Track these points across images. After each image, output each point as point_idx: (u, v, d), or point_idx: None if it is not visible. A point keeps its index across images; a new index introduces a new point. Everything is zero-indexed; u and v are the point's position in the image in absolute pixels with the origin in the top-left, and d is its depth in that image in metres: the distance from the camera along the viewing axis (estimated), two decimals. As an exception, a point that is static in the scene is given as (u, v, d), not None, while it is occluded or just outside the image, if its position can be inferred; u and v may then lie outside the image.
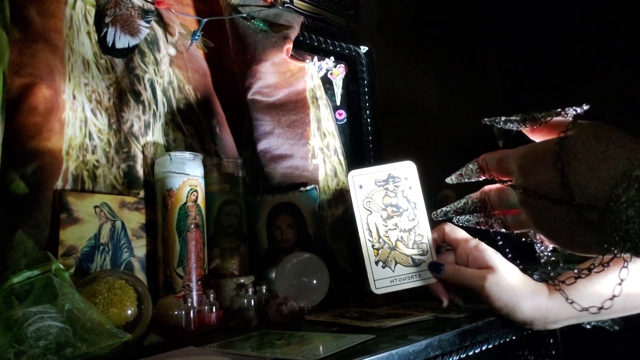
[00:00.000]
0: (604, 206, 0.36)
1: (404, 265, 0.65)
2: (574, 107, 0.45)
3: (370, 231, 0.65)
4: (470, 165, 0.52)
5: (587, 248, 0.40)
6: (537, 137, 0.48)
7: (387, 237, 0.65)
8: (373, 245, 0.65)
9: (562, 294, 0.53)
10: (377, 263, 0.64)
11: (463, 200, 0.53)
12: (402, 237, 0.65)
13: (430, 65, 1.66)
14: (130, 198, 0.77)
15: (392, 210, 0.66)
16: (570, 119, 0.45)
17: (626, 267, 0.41)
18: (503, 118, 0.49)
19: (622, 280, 0.43)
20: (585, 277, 0.47)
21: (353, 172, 0.69)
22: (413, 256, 0.65)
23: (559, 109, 0.45)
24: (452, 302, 0.65)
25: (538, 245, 0.52)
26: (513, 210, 0.49)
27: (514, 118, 0.48)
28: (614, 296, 0.48)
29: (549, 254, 0.51)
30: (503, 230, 0.53)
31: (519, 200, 0.45)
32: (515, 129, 0.49)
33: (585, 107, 0.45)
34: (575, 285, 0.53)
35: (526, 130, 0.48)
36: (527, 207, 0.44)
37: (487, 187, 0.51)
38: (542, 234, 0.45)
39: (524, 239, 0.53)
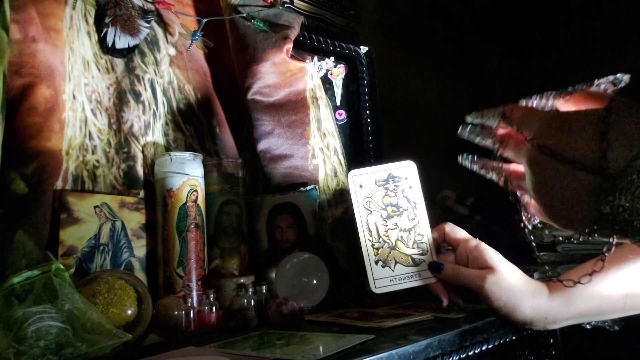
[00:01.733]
0: (622, 176, 0.35)
1: (404, 265, 0.65)
2: (611, 79, 0.44)
3: (370, 231, 0.65)
4: (496, 111, 0.49)
5: (582, 222, 0.39)
6: (571, 108, 0.45)
7: (387, 236, 0.65)
8: (373, 245, 0.65)
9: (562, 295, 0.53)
10: (376, 262, 0.64)
11: (491, 117, 0.50)
12: (402, 236, 0.65)
13: (430, 65, 1.65)
14: (130, 198, 0.77)
15: (392, 209, 0.66)
16: (608, 91, 0.43)
17: (613, 244, 0.40)
18: (537, 95, 0.47)
19: (605, 255, 0.42)
20: (586, 282, 0.47)
21: (353, 172, 0.68)
22: (413, 256, 0.65)
23: (596, 80, 0.44)
24: (452, 302, 0.65)
25: (525, 214, 0.50)
26: (517, 169, 0.48)
27: (546, 93, 0.47)
28: (594, 271, 0.47)
29: (537, 224, 0.50)
30: (501, 183, 0.51)
31: (529, 158, 0.43)
32: (550, 104, 0.47)
33: (625, 77, 0.44)
34: (572, 287, 0.53)
35: (559, 103, 0.46)
36: (535, 166, 0.42)
37: (510, 131, 0.49)
38: (538, 199, 0.43)
39: (517, 199, 0.50)
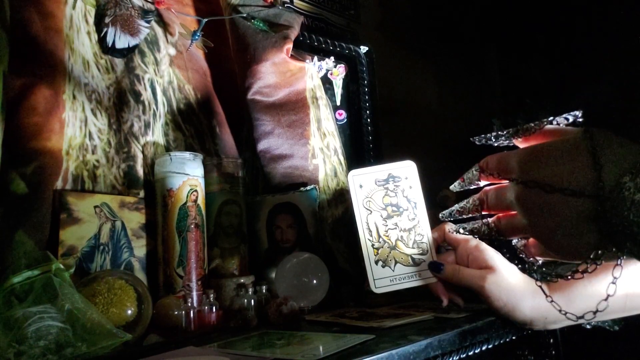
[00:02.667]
0: (617, 193, 0.35)
1: (404, 265, 0.65)
2: (564, 116, 0.44)
3: (370, 230, 0.65)
4: (473, 169, 0.50)
5: (586, 249, 0.39)
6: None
7: (387, 236, 0.65)
8: (373, 245, 0.65)
9: (554, 305, 0.53)
10: (377, 262, 0.64)
11: (465, 200, 0.52)
12: (402, 236, 0.65)
13: (430, 65, 1.65)
14: (130, 198, 0.77)
15: (392, 209, 0.66)
16: (563, 126, 0.44)
17: (620, 264, 0.40)
18: (493, 134, 0.48)
19: (615, 278, 0.42)
20: (579, 279, 0.46)
21: (353, 172, 0.68)
22: (413, 256, 0.65)
23: (550, 117, 0.45)
24: (452, 302, 0.65)
25: (524, 256, 0.50)
26: (508, 212, 0.47)
27: (504, 133, 0.47)
28: (609, 296, 0.47)
29: (538, 263, 0.50)
30: (495, 236, 0.50)
31: (517, 196, 0.42)
32: (506, 143, 0.48)
33: (578, 114, 0.44)
34: (571, 287, 0.53)
35: (518, 142, 0.47)
36: (525, 204, 0.42)
37: (487, 187, 0.50)
38: (538, 236, 0.43)
39: (515, 246, 0.50)
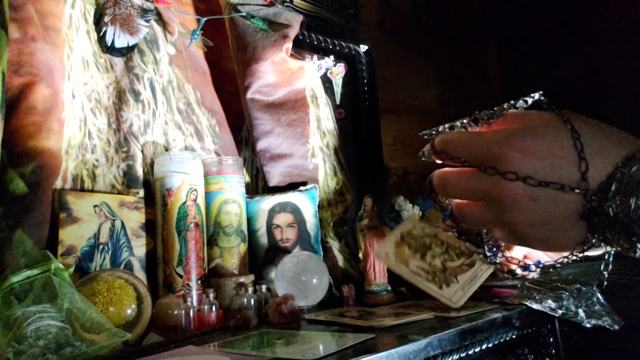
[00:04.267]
0: (600, 188, 0.33)
1: (463, 273, 0.65)
2: (523, 98, 0.40)
3: (419, 274, 0.66)
4: (426, 150, 0.43)
5: (575, 241, 0.35)
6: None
7: (434, 265, 0.66)
8: (427, 279, 0.65)
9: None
10: (440, 287, 0.65)
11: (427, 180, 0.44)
12: (444, 258, 0.66)
13: (430, 64, 1.65)
14: (130, 197, 0.77)
15: (421, 250, 0.67)
16: (523, 110, 0.40)
17: (608, 260, 0.38)
18: (446, 125, 0.42)
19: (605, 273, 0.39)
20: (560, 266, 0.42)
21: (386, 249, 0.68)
22: (464, 264, 0.66)
23: (511, 101, 0.40)
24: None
25: (489, 243, 0.44)
26: (471, 202, 0.40)
27: (458, 123, 0.42)
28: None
29: (493, 252, 0.47)
30: (455, 225, 0.44)
31: (491, 188, 0.36)
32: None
33: (537, 96, 0.40)
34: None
35: (480, 130, 0.41)
36: (503, 197, 0.35)
37: (436, 173, 0.41)
38: (513, 230, 0.37)
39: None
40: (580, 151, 0.34)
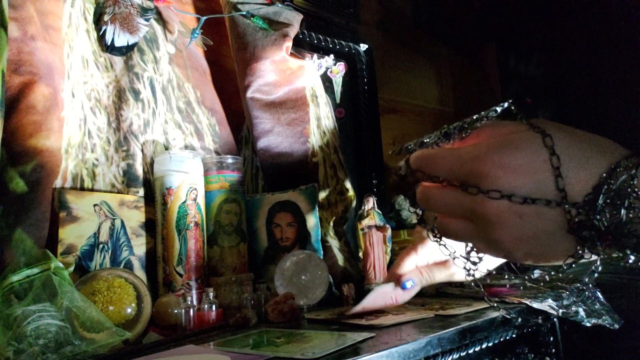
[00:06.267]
0: (586, 200, 0.32)
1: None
2: (493, 108, 0.38)
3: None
4: (403, 164, 0.42)
5: (555, 258, 0.35)
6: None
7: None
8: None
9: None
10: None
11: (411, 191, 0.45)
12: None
13: (430, 63, 1.65)
14: (130, 196, 0.77)
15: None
16: (495, 120, 0.38)
17: (595, 270, 0.37)
18: (415, 141, 0.40)
19: (594, 271, 0.39)
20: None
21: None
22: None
23: (481, 113, 0.38)
24: None
25: (476, 257, 0.42)
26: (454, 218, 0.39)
27: (427, 139, 0.40)
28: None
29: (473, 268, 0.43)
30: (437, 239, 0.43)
31: (476, 207, 0.35)
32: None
33: (506, 105, 0.39)
34: None
35: (452, 145, 0.40)
36: (489, 216, 0.35)
37: (425, 186, 0.40)
38: (498, 246, 0.36)
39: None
40: (557, 167, 0.33)
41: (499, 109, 0.39)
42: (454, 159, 0.37)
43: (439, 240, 0.43)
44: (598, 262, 0.37)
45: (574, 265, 0.35)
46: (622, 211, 0.31)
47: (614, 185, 0.31)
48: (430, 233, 0.43)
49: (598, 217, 0.32)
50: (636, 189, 0.30)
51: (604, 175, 0.32)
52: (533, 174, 0.33)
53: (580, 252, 0.34)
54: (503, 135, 0.36)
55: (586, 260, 0.35)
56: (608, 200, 0.31)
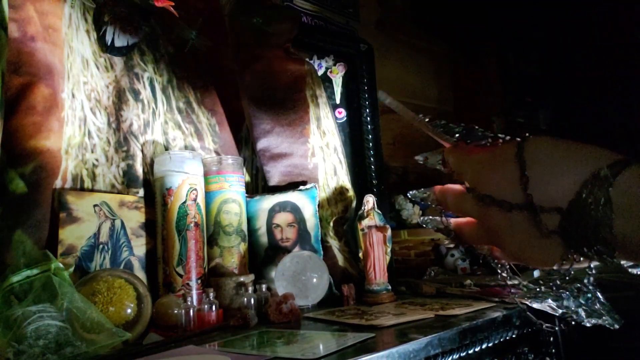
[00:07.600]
0: (567, 208, 0.34)
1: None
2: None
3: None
4: (438, 155, 0.47)
5: (550, 260, 0.38)
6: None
7: None
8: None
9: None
10: None
11: (425, 191, 0.48)
12: None
13: (430, 63, 1.65)
14: (130, 197, 0.77)
15: None
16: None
17: (590, 273, 0.39)
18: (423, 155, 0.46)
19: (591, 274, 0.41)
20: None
21: None
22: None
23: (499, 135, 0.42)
24: None
25: (494, 262, 0.48)
26: (469, 220, 0.44)
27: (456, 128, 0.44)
28: None
29: (508, 272, 0.48)
30: (455, 241, 0.47)
31: (474, 209, 0.40)
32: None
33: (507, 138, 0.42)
34: None
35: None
36: (484, 219, 0.40)
37: (439, 188, 0.46)
38: (498, 245, 0.41)
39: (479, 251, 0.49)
40: (522, 171, 0.36)
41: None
42: (465, 163, 0.42)
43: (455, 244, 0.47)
44: (592, 265, 0.39)
45: (570, 269, 0.38)
46: (594, 219, 0.33)
47: (591, 192, 0.33)
48: (447, 239, 0.47)
49: (582, 222, 0.34)
50: (611, 196, 0.32)
51: (585, 181, 0.34)
52: (503, 181, 0.38)
53: (569, 256, 0.36)
54: (491, 151, 0.41)
55: (585, 265, 0.38)
56: (586, 206, 0.33)
